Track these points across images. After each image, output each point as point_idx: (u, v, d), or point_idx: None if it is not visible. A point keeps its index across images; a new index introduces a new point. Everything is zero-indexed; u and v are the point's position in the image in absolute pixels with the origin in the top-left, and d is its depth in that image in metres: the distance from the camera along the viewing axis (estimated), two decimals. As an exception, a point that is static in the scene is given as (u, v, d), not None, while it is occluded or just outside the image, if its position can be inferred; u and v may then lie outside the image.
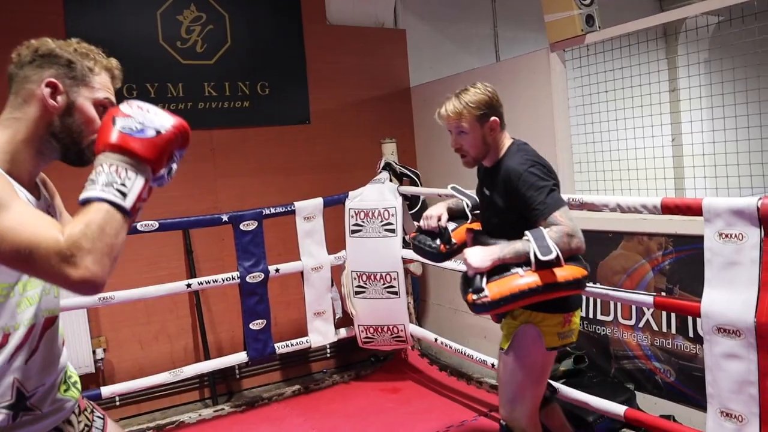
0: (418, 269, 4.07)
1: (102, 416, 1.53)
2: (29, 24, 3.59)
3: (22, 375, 1.24)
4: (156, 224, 3.24)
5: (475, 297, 1.88)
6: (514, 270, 1.90)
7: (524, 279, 1.87)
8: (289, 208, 3.65)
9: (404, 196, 3.87)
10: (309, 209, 3.71)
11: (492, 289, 1.87)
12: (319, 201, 3.74)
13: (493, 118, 2.10)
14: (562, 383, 3.11)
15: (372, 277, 3.75)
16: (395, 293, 3.73)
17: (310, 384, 4.05)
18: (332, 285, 3.84)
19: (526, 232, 1.93)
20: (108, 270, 1.08)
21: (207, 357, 3.93)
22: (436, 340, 3.66)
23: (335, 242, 3.88)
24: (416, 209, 4.07)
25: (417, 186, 4.08)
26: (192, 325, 4.03)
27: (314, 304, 3.76)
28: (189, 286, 3.39)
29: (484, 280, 1.89)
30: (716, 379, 2.16)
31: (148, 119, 1.17)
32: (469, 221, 2.34)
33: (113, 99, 1.35)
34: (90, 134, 1.29)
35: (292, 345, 3.75)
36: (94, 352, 3.66)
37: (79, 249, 1.04)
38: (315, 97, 4.38)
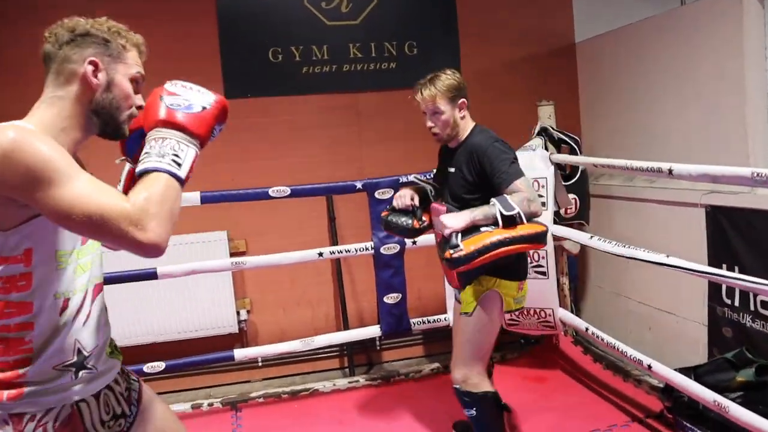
0: (575, 248, 3.62)
1: (137, 380, 1.60)
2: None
3: (81, 336, 1.34)
4: (288, 190, 3.17)
5: (452, 251, 2.11)
6: (484, 229, 2.17)
7: (493, 235, 2.14)
8: (428, 176, 3.40)
9: (558, 166, 3.43)
10: (450, 178, 3.43)
11: (467, 245, 2.11)
12: (461, 169, 3.44)
13: (461, 99, 2.42)
14: (739, 398, 2.58)
15: (518, 254, 3.39)
16: (544, 273, 3.35)
17: (450, 363, 3.82)
18: (475, 261, 3.55)
19: (492, 198, 2.21)
20: (169, 233, 1.17)
21: (345, 327, 3.87)
22: (587, 329, 3.22)
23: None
24: (574, 180, 3.62)
25: (577, 154, 3.61)
26: (334, 293, 3.98)
27: (454, 280, 3.51)
28: (321, 254, 3.30)
29: (459, 237, 2.14)
30: None
31: (193, 96, 1.29)
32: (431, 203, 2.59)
33: (142, 71, 1.40)
34: (126, 108, 1.36)
35: (428, 322, 3.54)
36: (238, 313, 3.75)
37: (145, 214, 1.14)
38: (466, 57, 4.05)
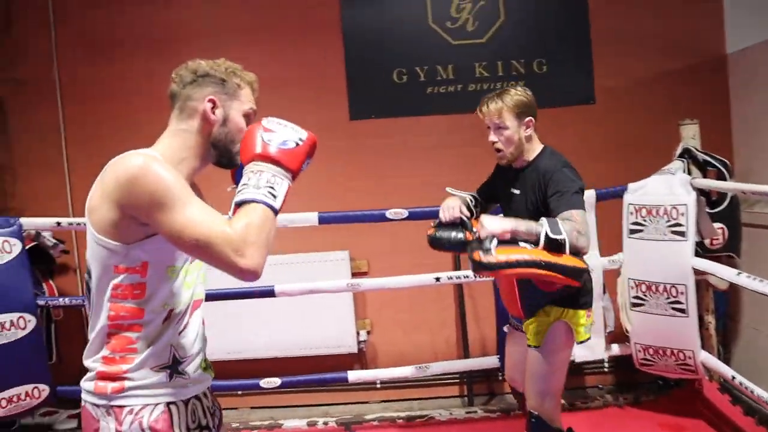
0: (722, 283, 3.24)
1: (219, 406, 1.68)
2: (306, 16, 3.79)
3: (177, 345, 1.47)
4: (405, 212, 3.14)
5: (482, 254, 1.98)
6: (523, 244, 2.03)
7: (531, 253, 2.00)
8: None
9: (701, 192, 3.09)
10: (577, 203, 3.21)
11: (499, 253, 1.98)
12: (591, 193, 3.20)
13: (529, 117, 2.29)
14: None
15: (653, 288, 3.08)
16: (682, 311, 3.01)
17: (576, 400, 3.57)
18: (604, 292, 3.29)
19: (542, 219, 2.07)
20: (265, 259, 1.30)
21: (466, 354, 3.74)
22: (733, 378, 2.85)
23: (610, 243, 3.29)
24: (721, 207, 3.25)
25: (725, 179, 3.23)
26: (455, 318, 3.87)
27: (581, 312, 3.27)
28: (438, 279, 3.21)
29: (495, 242, 1.99)
30: None
31: (287, 133, 1.39)
32: (475, 216, 2.49)
33: (254, 107, 1.56)
34: (240, 141, 1.48)
35: (551, 356, 3.32)
36: (357, 333, 3.75)
37: (245, 242, 1.26)
38: (600, 73, 3.81)
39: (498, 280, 2.53)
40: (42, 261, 3.59)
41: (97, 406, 1.41)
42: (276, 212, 1.32)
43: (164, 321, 1.44)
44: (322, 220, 3.16)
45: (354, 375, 3.31)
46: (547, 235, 2.01)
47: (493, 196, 2.57)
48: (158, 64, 3.82)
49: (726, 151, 3.64)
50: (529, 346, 2.34)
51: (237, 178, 1.53)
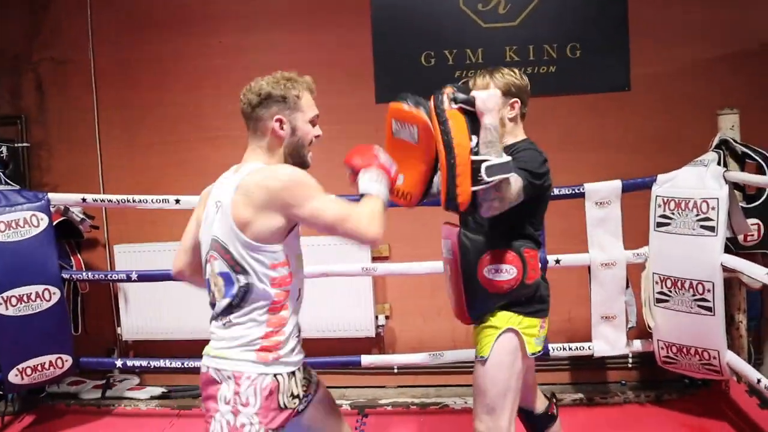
0: (755, 282, 3.09)
1: (315, 374, 1.98)
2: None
3: (298, 320, 1.82)
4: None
5: (451, 95, 1.86)
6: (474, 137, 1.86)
7: (458, 123, 1.84)
8: (577, 191, 3.11)
9: (736, 185, 2.95)
10: (603, 193, 3.10)
11: (452, 120, 1.84)
12: (616, 184, 3.10)
13: (515, 99, 2.12)
14: None
15: (679, 283, 2.96)
16: (709, 309, 2.88)
17: (596, 396, 3.49)
18: (627, 286, 3.17)
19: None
20: (382, 233, 1.68)
21: (484, 343, 3.68)
22: (759, 381, 2.72)
23: (636, 236, 3.17)
24: (758, 202, 3.09)
25: (765, 173, 3.07)
26: (475, 307, 3.82)
27: (602, 306, 3.17)
28: (453, 267, 3.16)
29: (452, 104, 1.85)
30: None
31: (390, 159, 1.81)
32: None
33: (316, 112, 1.83)
34: (308, 143, 1.82)
35: (570, 349, 3.24)
36: (376, 318, 3.74)
37: (371, 219, 1.66)
38: (637, 59, 3.65)
39: (448, 277, 2.24)
40: (71, 235, 3.69)
41: (219, 370, 1.70)
42: (384, 202, 1.73)
43: (297, 298, 1.79)
44: (340, 203, 3.15)
45: (367, 359, 3.30)
46: (481, 155, 1.82)
47: None
48: (189, 45, 3.90)
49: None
50: (477, 357, 2.13)
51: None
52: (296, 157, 1.80)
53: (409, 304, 3.84)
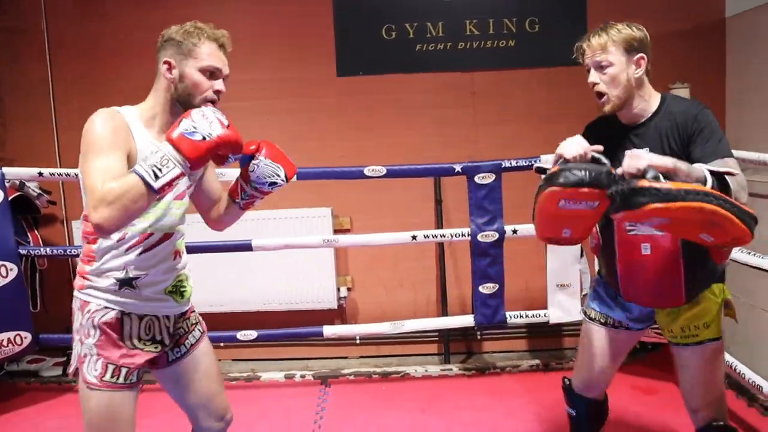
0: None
1: (202, 331, 1.93)
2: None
3: (134, 263, 1.70)
4: (383, 170, 3.13)
5: (652, 181, 1.55)
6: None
7: (703, 188, 1.58)
8: (533, 162, 3.19)
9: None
10: (558, 165, 3.19)
11: (673, 184, 1.55)
12: (572, 156, 3.18)
13: (640, 54, 1.86)
14: None
15: (630, 252, 3.08)
16: (658, 276, 3.01)
17: (552, 361, 3.62)
18: (582, 256, 3.29)
19: (699, 164, 1.68)
20: (117, 223, 1.48)
21: (445, 313, 3.77)
22: (703, 342, 2.86)
23: (591, 206, 3.28)
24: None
25: (712, 144, 3.19)
26: (437, 277, 3.90)
27: (558, 274, 3.28)
28: (414, 238, 3.22)
29: (660, 176, 1.58)
30: None
31: (202, 126, 1.53)
32: None
33: (218, 65, 1.70)
34: (199, 94, 1.68)
35: (526, 317, 3.35)
36: (338, 290, 3.78)
37: (103, 201, 1.46)
38: (593, 33, 3.71)
39: (625, 263, 1.94)
40: (28, 210, 3.63)
41: (75, 298, 1.72)
42: (153, 189, 1.47)
43: (118, 241, 1.67)
44: (300, 176, 3.16)
45: (329, 330, 3.36)
46: (711, 171, 1.64)
47: None
48: (148, 16, 3.82)
49: (718, 116, 3.55)
50: (696, 343, 1.90)
51: (240, 161, 1.76)
52: (183, 104, 1.68)
53: (371, 275, 3.90)
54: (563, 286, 3.29)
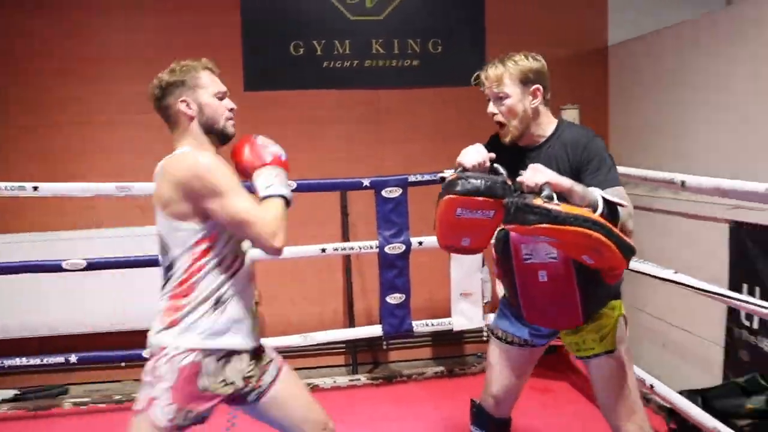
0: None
1: (278, 367, 1.92)
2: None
3: (234, 285, 1.78)
4: (294, 184, 3.15)
5: (545, 200, 1.63)
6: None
7: (591, 214, 1.65)
8: (438, 177, 3.34)
9: (574, 172, 3.31)
10: (461, 180, 3.36)
11: (564, 207, 1.63)
12: (474, 171, 3.37)
13: (536, 85, 1.94)
14: (748, 426, 2.44)
15: (527, 261, 3.29)
16: (552, 283, 3.23)
17: (455, 367, 3.76)
18: (483, 265, 3.47)
19: (592, 187, 1.77)
20: (286, 241, 1.69)
21: (352, 324, 3.84)
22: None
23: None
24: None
25: (598, 161, 3.47)
26: (344, 289, 3.96)
27: (461, 283, 3.44)
28: (324, 250, 3.28)
29: (555, 196, 1.65)
30: None
31: (278, 147, 1.83)
32: None
33: (222, 87, 1.83)
34: (220, 117, 1.81)
35: (432, 325, 3.48)
36: (246, 304, 3.75)
37: (279, 228, 1.66)
38: (493, 56, 3.90)
39: (524, 288, 1.97)
40: None
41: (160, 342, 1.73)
42: (288, 203, 1.73)
43: (229, 276, 1.77)
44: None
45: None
46: (604, 198, 1.71)
47: None
48: (61, 24, 3.64)
49: (603, 135, 3.90)
50: (592, 356, 1.97)
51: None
52: (214, 132, 1.80)
53: (279, 289, 3.89)
54: (466, 294, 3.45)
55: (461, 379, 3.65)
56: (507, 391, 2.16)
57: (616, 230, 1.67)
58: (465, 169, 1.85)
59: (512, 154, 1.96)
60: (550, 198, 1.63)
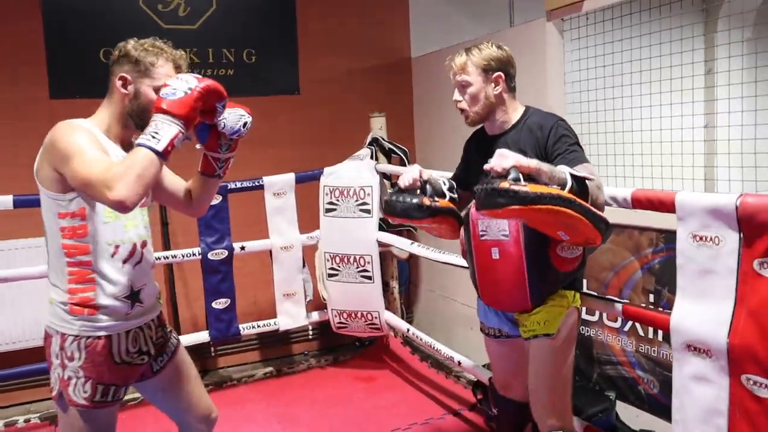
0: (403, 253, 3.81)
1: (177, 337, 1.95)
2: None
3: (133, 277, 1.73)
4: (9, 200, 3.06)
5: (512, 183, 1.62)
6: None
7: (560, 191, 1.68)
8: (257, 183, 3.46)
9: (384, 175, 3.61)
10: (279, 185, 3.51)
11: (532, 187, 1.62)
12: (290, 176, 3.53)
13: (498, 73, 2.02)
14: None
15: (345, 259, 3.53)
16: (369, 278, 3.50)
17: (284, 367, 3.90)
18: (304, 266, 3.64)
19: (561, 165, 1.79)
20: (136, 195, 1.49)
21: (177, 332, 3.80)
22: (408, 330, 3.42)
23: (309, 221, 3.66)
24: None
25: (406, 165, 3.81)
26: (166, 299, 3.92)
27: (284, 284, 3.59)
28: (145, 261, 3.25)
29: (520, 175, 1.66)
30: (683, 405, 1.85)
31: (179, 85, 1.57)
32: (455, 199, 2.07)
33: None
34: (149, 113, 1.65)
35: (258, 326, 3.59)
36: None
37: (114, 179, 1.48)
38: (305, 66, 4.14)
39: (490, 261, 2.02)
40: None
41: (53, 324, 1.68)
42: (156, 152, 1.51)
43: (112, 256, 1.70)
44: (18, 204, 2.99)
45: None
46: (573, 176, 1.73)
47: (466, 182, 2.14)
48: None
49: (408, 140, 4.27)
50: (532, 337, 2.01)
51: (199, 139, 1.81)
52: (137, 122, 1.72)
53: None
54: (289, 295, 3.60)
55: (290, 378, 3.79)
56: (507, 378, 2.29)
57: (587, 204, 1.72)
58: (400, 189, 2.01)
59: (483, 144, 2.09)
60: (517, 180, 1.65)
